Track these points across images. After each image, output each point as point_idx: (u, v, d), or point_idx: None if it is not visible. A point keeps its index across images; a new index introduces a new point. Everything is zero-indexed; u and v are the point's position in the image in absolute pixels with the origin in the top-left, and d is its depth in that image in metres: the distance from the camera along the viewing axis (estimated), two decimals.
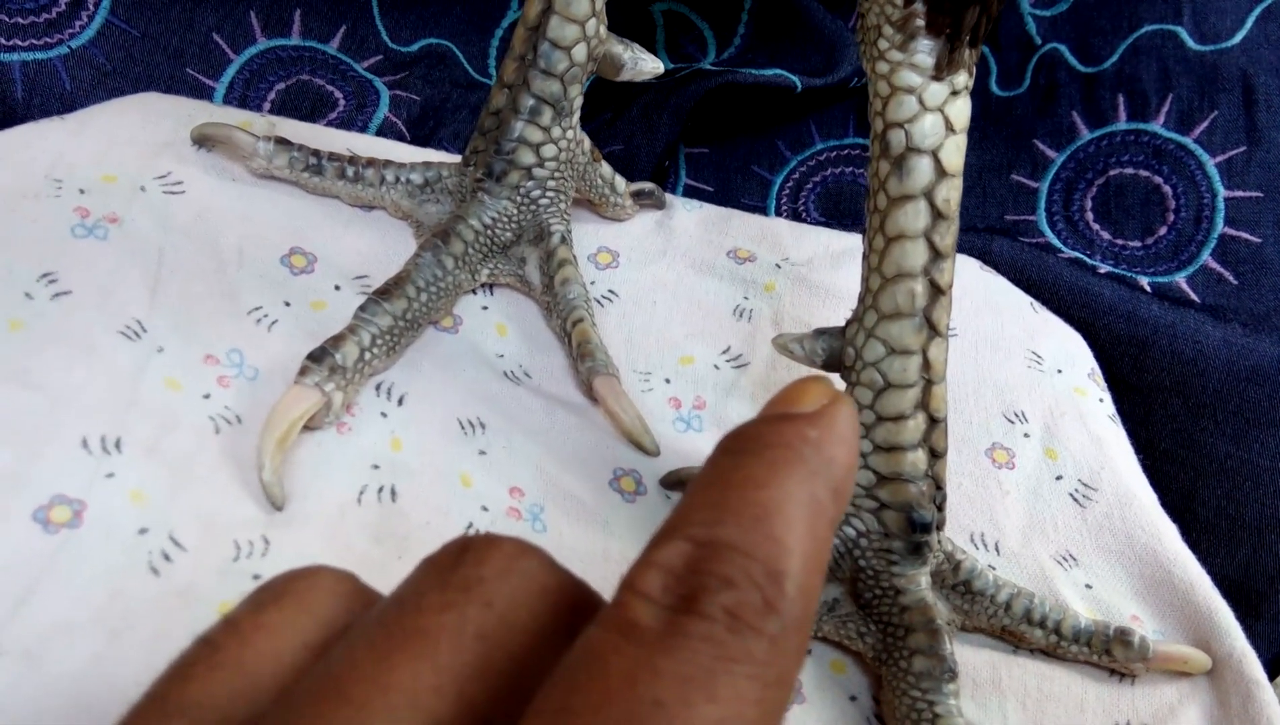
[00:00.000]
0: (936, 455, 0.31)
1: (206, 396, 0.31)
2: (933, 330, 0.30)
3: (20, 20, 0.41)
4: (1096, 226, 0.47)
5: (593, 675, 0.13)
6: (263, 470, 0.29)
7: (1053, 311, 0.43)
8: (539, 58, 0.34)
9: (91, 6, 0.42)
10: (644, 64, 0.36)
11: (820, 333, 0.32)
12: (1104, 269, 0.45)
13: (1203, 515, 0.45)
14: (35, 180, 0.33)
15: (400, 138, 0.45)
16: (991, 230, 0.47)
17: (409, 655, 0.14)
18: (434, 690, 0.14)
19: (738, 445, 0.16)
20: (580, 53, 0.34)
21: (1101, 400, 0.39)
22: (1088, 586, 0.34)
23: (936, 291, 0.30)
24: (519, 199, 0.35)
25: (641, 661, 0.13)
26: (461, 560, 0.16)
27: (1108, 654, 0.32)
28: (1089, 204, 0.47)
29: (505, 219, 0.35)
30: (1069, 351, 0.41)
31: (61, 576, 0.26)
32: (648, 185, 0.40)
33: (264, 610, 0.16)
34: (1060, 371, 0.40)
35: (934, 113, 0.29)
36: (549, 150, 0.35)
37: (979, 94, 0.51)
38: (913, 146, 0.29)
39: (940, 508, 0.31)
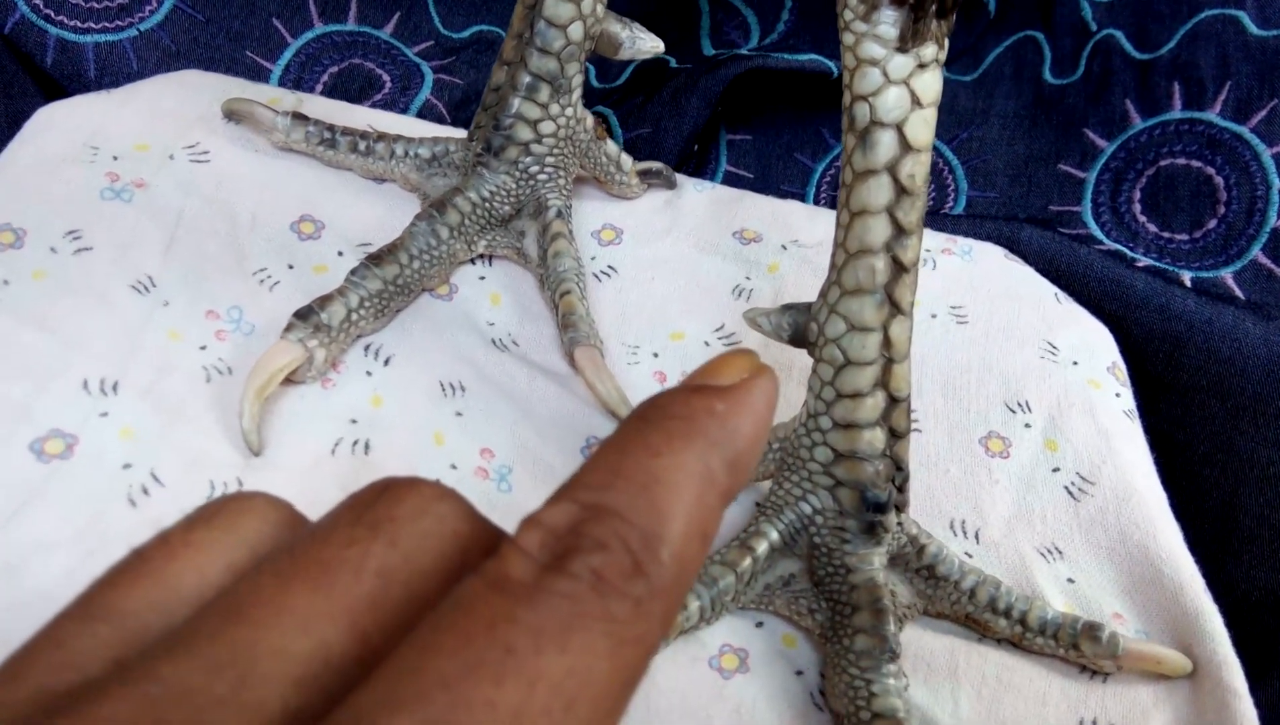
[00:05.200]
0: (896, 435, 0.30)
1: (203, 348, 0.33)
2: (895, 307, 0.30)
3: (95, 4, 0.45)
4: (1143, 218, 0.45)
5: (459, 619, 0.14)
6: (242, 417, 0.31)
7: (1083, 304, 0.41)
8: (536, 36, 0.35)
9: None
10: (642, 42, 0.36)
11: (787, 308, 0.32)
12: (1144, 262, 0.43)
13: (1244, 524, 0.42)
14: (76, 147, 0.36)
15: (440, 120, 0.47)
16: (1033, 220, 0.45)
17: (307, 584, 0.15)
18: (326, 617, 0.15)
19: (646, 413, 0.17)
20: (576, 31, 0.35)
21: (1118, 395, 0.38)
22: (1070, 580, 0.33)
23: (899, 268, 0.30)
24: (517, 174, 0.36)
25: (503, 612, 0.14)
26: (380, 499, 0.16)
27: (1075, 648, 0.30)
28: (1137, 195, 0.45)
29: (503, 193, 0.36)
30: (1090, 344, 0.39)
31: (48, 501, 0.29)
32: (656, 164, 0.40)
33: (195, 528, 0.17)
34: (1076, 363, 0.38)
35: (898, 86, 0.29)
36: (547, 127, 0.36)
37: (1031, 81, 0.50)
38: (876, 120, 0.29)
39: (901, 488, 0.31)
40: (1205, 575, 0.34)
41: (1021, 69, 0.50)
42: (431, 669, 0.13)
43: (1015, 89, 0.50)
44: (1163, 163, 0.45)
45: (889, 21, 0.28)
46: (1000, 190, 0.48)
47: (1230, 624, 0.32)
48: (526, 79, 0.36)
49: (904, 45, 0.29)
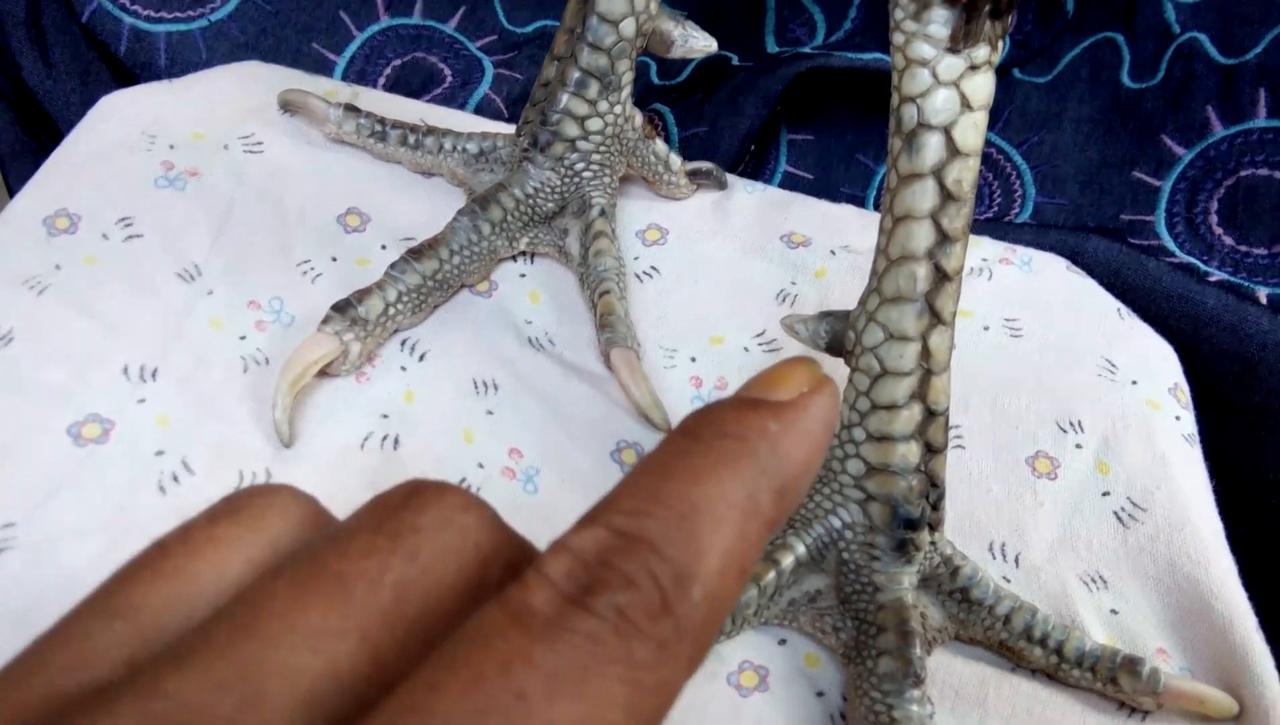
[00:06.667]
0: (933, 450, 0.29)
1: (243, 337, 0.33)
2: (935, 317, 0.29)
3: None
4: (1219, 230, 0.43)
5: (472, 655, 0.13)
6: (274, 408, 0.31)
7: (1149, 320, 0.40)
8: (587, 31, 0.35)
9: None
10: (695, 41, 0.36)
11: (825, 315, 0.31)
12: (1217, 276, 0.41)
13: None
14: (134, 135, 0.37)
15: (498, 115, 0.47)
16: (1102, 229, 0.43)
17: (321, 598, 0.15)
18: (339, 634, 0.14)
19: (694, 428, 0.16)
20: (629, 28, 0.35)
21: (1179, 418, 0.36)
22: (1113, 612, 0.31)
23: (942, 277, 0.28)
24: (562, 170, 0.36)
25: (520, 650, 0.13)
26: (405, 506, 0.16)
27: (1113, 683, 0.29)
28: (1214, 206, 0.43)
29: (548, 190, 0.36)
30: (1152, 363, 0.37)
31: (81, 485, 0.29)
32: (706, 164, 0.40)
33: (218, 523, 0.17)
34: (1135, 382, 0.37)
35: (948, 87, 0.28)
36: (594, 124, 0.36)
37: (1108, 85, 0.48)
38: (923, 122, 0.28)
39: (935, 506, 0.30)
40: (1267, 612, 0.32)
41: (1098, 72, 0.48)
42: (440, 709, 0.13)
43: (1091, 92, 0.48)
44: (1243, 173, 0.43)
45: (940, 21, 0.27)
46: (1070, 197, 0.46)
47: None
48: (576, 75, 0.35)
49: (955, 46, 0.28)
